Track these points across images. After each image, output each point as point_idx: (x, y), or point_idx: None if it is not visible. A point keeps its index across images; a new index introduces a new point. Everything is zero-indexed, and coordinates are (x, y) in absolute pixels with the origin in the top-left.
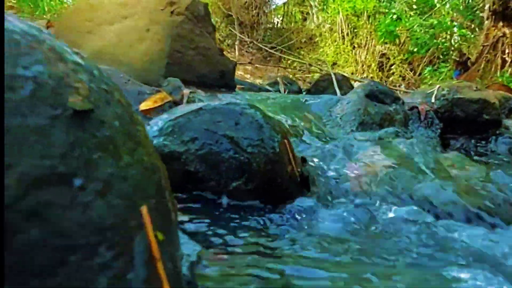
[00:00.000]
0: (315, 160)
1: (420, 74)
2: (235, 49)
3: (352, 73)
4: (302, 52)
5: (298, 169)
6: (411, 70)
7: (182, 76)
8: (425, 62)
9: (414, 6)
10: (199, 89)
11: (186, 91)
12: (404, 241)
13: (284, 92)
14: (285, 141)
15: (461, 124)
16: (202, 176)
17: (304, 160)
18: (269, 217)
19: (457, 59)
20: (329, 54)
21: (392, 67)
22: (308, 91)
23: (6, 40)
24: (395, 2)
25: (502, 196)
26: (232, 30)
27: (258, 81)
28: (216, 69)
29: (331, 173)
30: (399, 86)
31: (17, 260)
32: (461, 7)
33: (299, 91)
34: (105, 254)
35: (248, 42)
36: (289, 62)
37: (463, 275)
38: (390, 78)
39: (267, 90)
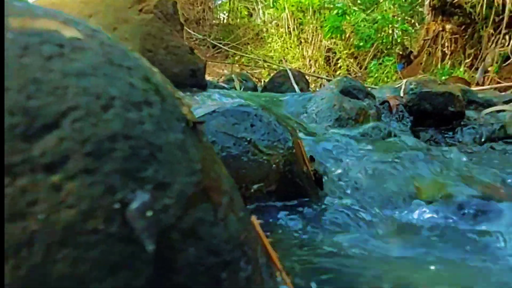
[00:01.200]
0: (317, 158)
1: (366, 68)
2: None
3: (300, 68)
4: (249, 48)
5: (312, 168)
6: (357, 64)
7: None
8: (370, 56)
9: (358, 1)
10: None
11: None
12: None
13: (240, 88)
14: (298, 141)
15: (429, 117)
16: None
17: (312, 159)
18: (294, 217)
19: (401, 52)
20: (276, 49)
21: (339, 62)
22: (264, 88)
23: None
24: None
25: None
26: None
27: (208, 79)
28: (187, 68)
29: (334, 171)
30: None
31: (183, 280)
32: (402, 3)
33: (255, 88)
34: (247, 268)
35: (201, 39)
36: (236, 58)
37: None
38: (337, 72)
39: (223, 87)
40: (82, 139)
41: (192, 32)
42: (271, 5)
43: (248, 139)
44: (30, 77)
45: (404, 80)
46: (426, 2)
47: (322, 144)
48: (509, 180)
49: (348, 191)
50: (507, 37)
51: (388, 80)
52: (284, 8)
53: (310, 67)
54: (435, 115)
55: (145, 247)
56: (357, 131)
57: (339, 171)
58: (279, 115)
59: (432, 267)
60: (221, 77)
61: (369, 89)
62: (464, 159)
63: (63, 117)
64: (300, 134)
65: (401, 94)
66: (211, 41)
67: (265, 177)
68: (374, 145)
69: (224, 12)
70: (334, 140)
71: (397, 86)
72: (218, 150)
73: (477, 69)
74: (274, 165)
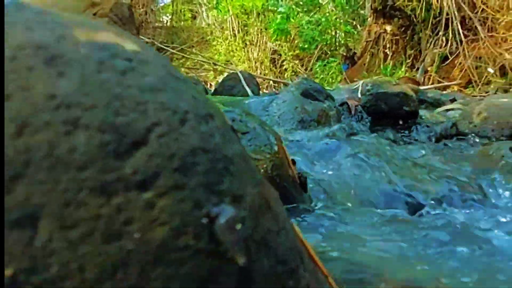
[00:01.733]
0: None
1: (311, 69)
2: None
3: (246, 70)
4: (194, 51)
5: (296, 172)
6: (302, 66)
7: None
8: (315, 57)
9: (301, 4)
10: None
11: None
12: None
13: None
14: (282, 145)
15: (386, 116)
16: None
17: (294, 162)
18: None
19: (344, 54)
20: (221, 52)
21: (284, 63)
22: (215, 91)
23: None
24: (282, 0)
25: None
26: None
27: None
28: None
29: (311, 173)
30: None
31: None
32: (344, 5)
33: (205, 92)
34: (305, 275)
35: (150, 43)
36: (181, 61)
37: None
38: (284, 74)
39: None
40: (169, 155)
41: (140, 36)
42: (215, 7)
43: None
44: (113, 93)
45: (361, 82)
46: (368, 5)
47: (291, 146)
48: (468, 175)
49: (327, 193)
50: (444, 38)
51: (333, 81)
52: (228, 10)
53: (256, 69)
54: (391, 115)
55: (236, 260)
56: (322, 132)
57: (316, 172)
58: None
59: (418, 265)
60: None
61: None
62: (428, 156)
63: (149, 133)
64: None
65: (359, 95)
66: (159, 45)
67: None
68: (340, 145)
69: (167, 14)
70: (301, 142)
71: (354, 87)
72: None
73: (417, 69)
74: (262, 170)
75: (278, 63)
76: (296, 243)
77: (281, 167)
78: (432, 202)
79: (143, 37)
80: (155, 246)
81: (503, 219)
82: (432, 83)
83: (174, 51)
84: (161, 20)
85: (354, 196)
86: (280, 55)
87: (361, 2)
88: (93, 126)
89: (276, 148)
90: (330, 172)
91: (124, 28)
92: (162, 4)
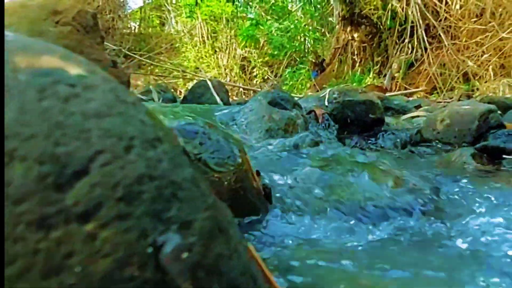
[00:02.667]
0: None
1: (281, 75)
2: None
3: (215, 77)
4: (163, 58)
5: (261, 183)
6: (272, 72)
7: None
8: (284, 64)
9: (271, 11)
10: None
11: None
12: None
13: (159, 100)
14: (246, 156)
15: (353, 124)
16: None
17: (258, 173)
18: (250, 234)
19: (314, 60)
20: (190, 59)
21: (254, 70)
22: (184, 99)
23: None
24: (251, 7)
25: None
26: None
27: None
28: None
29: (276, 184)
30: (264, 87)
31: None
32: (312, 12)
33: (174, 99)
34: None
35: (116, 50)
36: (150, 68)
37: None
38: (253, 81)
39: (141, 100)
40: (113, 184)
41: (105, 43)
42: (187, 15)
43: (198, 157)
44: (54, 121)
45: (328, 90)
46: (336, 12)
47: (258, 156)
48: (431, 182)
49: (293, 203)
50: (410, 45)
51: (303, 87)
52: (197, 17)
53: (226, 76)
54: (358, 123)
55: None
56: (289, 141)
57: (281, 182)
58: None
59: (383, 275)
60: (135, 88)
61: (296, 98)
62: (392, 163)
63: (91, 162)
64: None
65: (326, 103)
66: (126, 52)
67: (217, 195)
68: (307, 154)
69: (136, 21)
70: (267, 151)
71: (321, 95)
72: None
73: (385, 75)
74: (225, 183)
75: (248, 70)
76: (249, 265)
77: (245, 179)
78: (394, 210)
79: (110, 44)
80: (98, 279)
81: (464, 227)
82: (399, 90)
83: (141, 58)
84: (129, 26)
85: (318, 206)
86: (250, 62)
87: (329, 10)
88: (31, 157)
89: (240, 160)
90: (295, 182)
91: (87, 36)
92: (130, 11)
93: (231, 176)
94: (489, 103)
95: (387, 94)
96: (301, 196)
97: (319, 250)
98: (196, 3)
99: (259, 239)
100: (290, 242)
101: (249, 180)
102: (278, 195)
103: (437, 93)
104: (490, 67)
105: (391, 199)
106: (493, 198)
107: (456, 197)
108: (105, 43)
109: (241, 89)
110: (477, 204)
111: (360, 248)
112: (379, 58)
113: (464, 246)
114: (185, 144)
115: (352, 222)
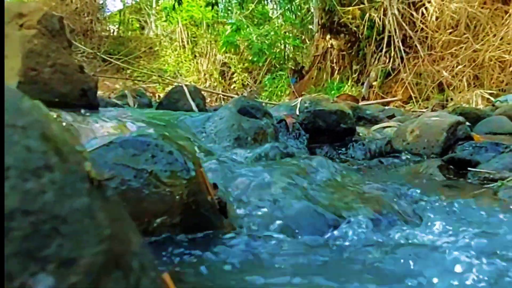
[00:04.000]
0: (218, 183)
1: (260, 82)
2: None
3: (195, 82)
4: (142, 62)
5: (216, 197)
6: (251, 79)
7: (39, 97)
8: (264, 70)
9: (251, 16)
10: (60, 111)
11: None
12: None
13: (134, 105)
14: (201, 169)
15: (324, 134)
16: None
17: (216, 186)
18: (200, 250)
19: (293, 67)
20: (170, 63)
21: (234, 76)
22: (160, 104)
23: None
24: (232, 13)
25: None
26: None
27: (99, 93)
28: (77, 88)
29: (236, 196)
30: (242, 93)
31: None
32: (293, 20)
33: (150, 104)
34: None
35: (87, 53)
36: (129, 71)
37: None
38: (232, 86)
39: (116, 104)
40: None
41: (79, 45)
42: (164, 19)
43: (149, 170)
44: None
45: (299, 99)
46: (315, 20)
47: (222, 166)
48: (397, 193)
49: (251, 217)
50: (387, 55)
51: (282, 94)
52: (178, 21)
53: (205, 81)
54: (329, 132)
55: None
56: (257, 152)
57: (241, 195)
58: (181, 142)
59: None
60: (112, 92)
61: (267, 104)
62: (360, 175)
63: None
64: (200, 156)
65: (297, 113)
66: (102, 56)
67: (169, 209)
68: (273, 166)
69: (115, 24)
70: (234, 162)
71: (292, 104)
72: (118, 184)
73: (363, 83)
74: (177, 197)
75: (227, 75)
76: None
77: (198, 193)
78: (355, 224)
79: (85, 48)
80: None
81: (427, 239)
82: (376, 98)
83: (117, 62)
84: (108, 29)
85: (276, 221)
86: (230, 67)
87: (309, 17)
88: None
89: (193, 173)
90: (255, 195)
91: (53, 40)
92: (109, 13)
93: (183, 190)
94: (460, 114)
95: (364, 103)
96: (259, 211)
97: (271, 268)
98: (174, 8)
99: (209, 255)
100: (241, 259)
101: (203, 194)
102: (235, 209)
103: (413, 102)
104: (464, 78)
105: (353, 212)
106: (454, 212)
107: (419, 210)
108: (80, 46)
109: (220, 94)
110: (437, 218)
111: (318, 264)
112: (358, 66)
113: (427, 259)
114: (136, 156)
115: (311, 237)
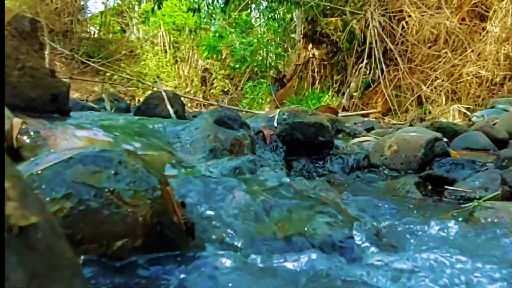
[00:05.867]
0: (189, 199)
1: (242, 89)
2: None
3: (175, 87)
4: (122, 65)
5: (183, 217)
6: (233, 85)
7: (6, 101)
8: (245, 77)
9: (234, 24)
10: (28, 116)
11: (16, 120)
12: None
13: (111, 109)
14: (168, 188)
15: (301, 146)
16: (82, 239)
17: (184, 205)
18: (162, 275)
19: (274, 76)
20: (151, 67)
21: (214, 82)
22: (138, 109)
23: None
24: (215, 19)
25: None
26: (42, 38)
27: (76, 96)
28: (47, 92)
29: (206, 214)
30: (223, 100)
31: None
32: (276, 28)
33: (127, 109)
34: None
35: (66, 54)
36: (108, 74)
37: None
38: (211, 91)
39: (92, 108)
40: None
41: (56, 46)
42: (142, 21)
43: (111, 189)
44: None
45: (278, 110)
46: (298, 29)
47: (194, 181)
48: (370, 212)
49: (219, 237)
50: (368, 66)
51: (263, 101)
52: (160, 25)
53: (186, 86)
54: (307, 145)
55: None
56: (232, 165)
57: (210, 213)
58: (152, 153)
59: None
60: (91, 95)
61: (247, 113)
62: (336, 190)
63: None
64: (172, 169)
65: (275, 124)
66: (79, 58)
67: (131, 231)
68: (247, 181)
69: (95, 25)
70: (207, 176)
71: (271, 115)
72: (75, 203)
73: (343, 94)
74: (140, 218)
75: (209, 81)
76: None
77: (163, 214)
78: (330, 245)
79: (62, 49)
80: None
81: (402, 261)
82: (356, 109)
83: (95, 65)
84: (88, 31)
85: (246, 242)
86: (211, 73)
87: (292, 26)
88: None
89: (159, 192)
90: (225, 214)
91: (24, 43)
92: (90, 15)
93: (147, 210)
94: (438, 128)
95: (343, 114)
96: (229, 230)
97: None
98: (153, 11)
99: (172, 280)
100: (206, 284)
101: (169, 214)
102: (204, 229)
103: (392, 114)
104: (442, 92)
105: (327, 232)
106: (430, 233)
107: (394, 231)
108: (57, 46)
109: (200, 101)
110: (412, 240)
111: None
112: (338, 76)
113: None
114: (97, 173)
115: (281, 260)
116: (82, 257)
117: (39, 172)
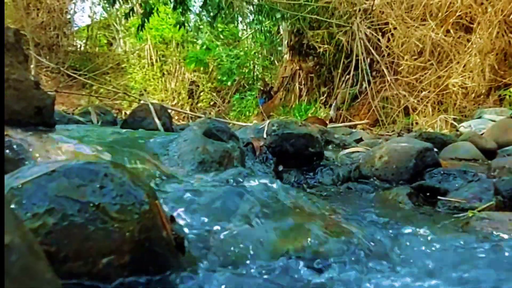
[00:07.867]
0: (178, 213)
1: (229, 101)
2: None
3: (163, 100)
4: (108, 78)
5: (172, 232)
6: (220, 98)
7: None
8: (233, 90)
9: (221, 37)
10: (11, 129)
11: None
12: None
13: (97, 122)
14: (156, 202)
15: (291, 158)
16: (66, 256)
17: (173, 219)
18: None
19: (262, 88)
20: (137, 80)
21: (202, 95)
22: (125, 122)
23: None
24: (202, 32)
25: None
26: (28, 52)
27: (62, 109)
28: (31, 105)
29: (195, 229)
30: (210, 113)
31: None
32: (262, 41)
33: (114, 122)
34: None
35: (52, 68)
36: (94, 88)
37: None
38: (199, 104)
39: (78, 121)
40: None
41: (43, 60)
42: (135, 36)
43: (97, 204)
44: None
45: (267, 121)
46: (285, 42)
47: (183, 194)
48: (363, 223)
49: (211, 251)
50: (355, 78)
51: (250, 114)
52: (147, 39)
53: (173, 99)
54: (297, 156)
55: None
56: (221, 177)
57: (201, 227)
58: (140, 166)
59: None
60: (77, 108)
61: (235, 125)
62: (327, 202)
63: None
64: (160, 182)
65: (264, 136)
66: (65, 71)
67: (117, 248)
68: (237, 193)
69: (82, 39)
70: (196, 188)
71: (260, 127)
72: (58, 219)
73: (330, 105)
74: (127, 233)
75: (196, 94)
76: None
77: (151, 229)
78: (321, 260)
79: (47, 62)
80: None
81: (397, 276)
82: (343, 121)
83: (80, 78)
84: (75, 44)
85: (237, 258)
86: (198, 86)
87: (279, 39)
88: None
89: (147, 207)
90: (217, 227)
91: (7, 55)
92: (76, 28)
93: (135, 225)
94: (427, 139)
95: (332, 125)
96: (220, 245)
97: None
98: (142, 27)
99: None
100: None
101: (158, 229)
102: (194, 243)
103: (380, 125)
104: (429, 103)
105: (318, 247)
106: (425, 245)
107: (388, 243)
108: (43, 60)
109: (187, 114)
110: (407, 252)
111: None
112: (325, 88)
113: None
114: (82, 187)
115: (272, 276)
116: (62, 281)
117: (20, 186)
